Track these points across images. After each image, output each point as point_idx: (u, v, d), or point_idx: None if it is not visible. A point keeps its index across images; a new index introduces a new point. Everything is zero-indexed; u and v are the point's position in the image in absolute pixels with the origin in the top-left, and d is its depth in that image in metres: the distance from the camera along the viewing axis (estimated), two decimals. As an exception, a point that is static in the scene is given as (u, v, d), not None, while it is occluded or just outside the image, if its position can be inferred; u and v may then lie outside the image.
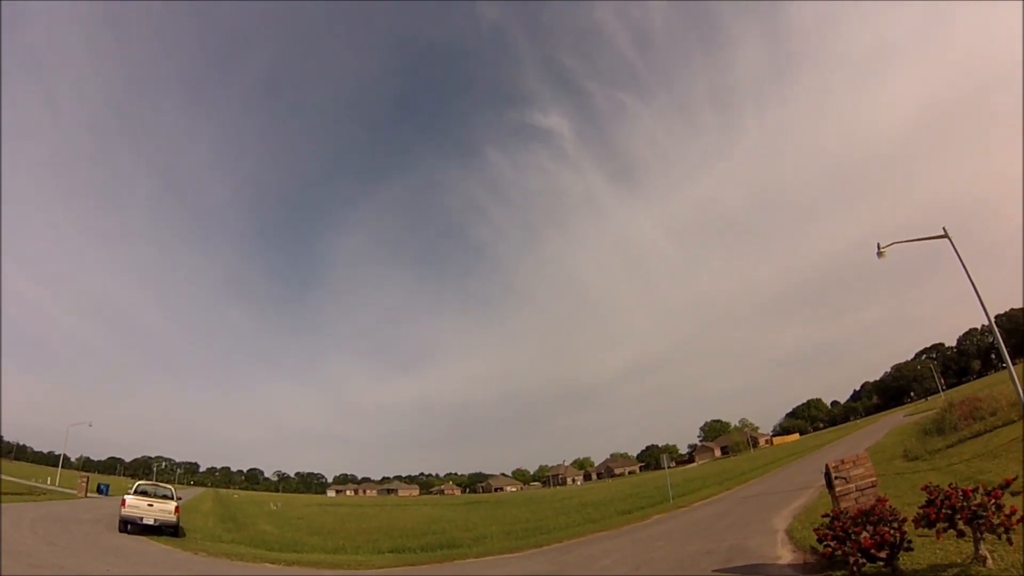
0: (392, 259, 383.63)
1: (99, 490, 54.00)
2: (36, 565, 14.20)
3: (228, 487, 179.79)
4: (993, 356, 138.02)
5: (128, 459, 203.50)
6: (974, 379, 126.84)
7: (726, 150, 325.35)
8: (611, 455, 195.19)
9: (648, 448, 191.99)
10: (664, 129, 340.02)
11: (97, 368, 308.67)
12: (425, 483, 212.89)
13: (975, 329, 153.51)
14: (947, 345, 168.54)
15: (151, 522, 24.12)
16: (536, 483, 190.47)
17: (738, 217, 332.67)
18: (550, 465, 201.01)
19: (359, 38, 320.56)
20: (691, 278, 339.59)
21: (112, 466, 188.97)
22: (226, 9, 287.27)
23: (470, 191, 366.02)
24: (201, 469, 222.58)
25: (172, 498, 26.32)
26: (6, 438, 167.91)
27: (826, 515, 9.95)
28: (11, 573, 10.34)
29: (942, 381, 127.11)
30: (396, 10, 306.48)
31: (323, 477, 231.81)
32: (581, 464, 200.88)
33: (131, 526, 23.91)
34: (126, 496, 24.93)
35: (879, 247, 24.50)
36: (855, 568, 8.70)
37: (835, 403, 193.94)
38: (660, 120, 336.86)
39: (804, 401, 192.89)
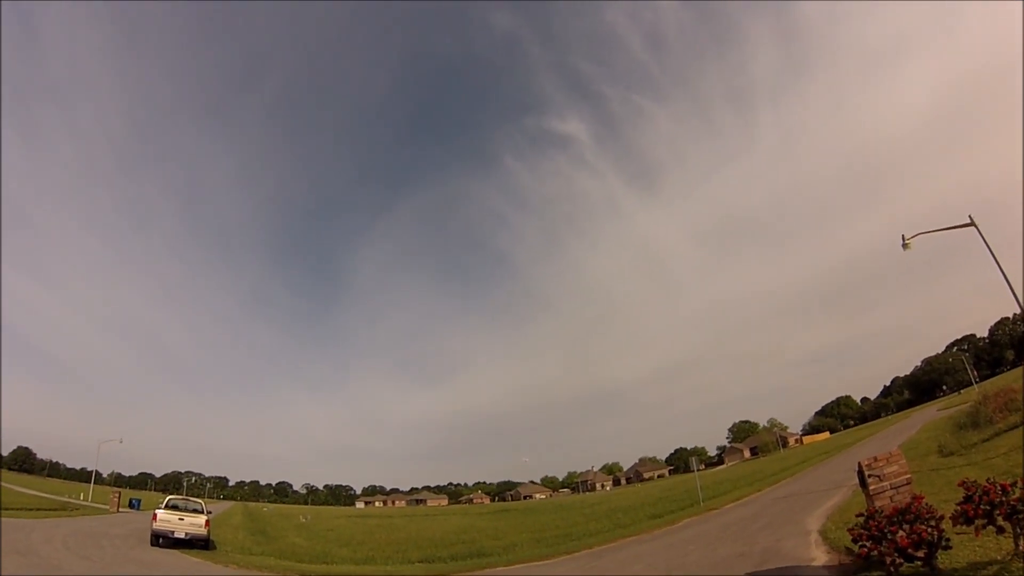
0: (415, 271, 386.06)
1: (131, 505, 54.90)
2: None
3: (257, 500, 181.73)
4: None
5: (159, 474, 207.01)
6: (1008, 370, 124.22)
7: (744, 150, 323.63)
8: (640, 459, 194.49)
9: (677, 451, 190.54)
10: (681, 130, 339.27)
11: (127, 386, 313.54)
12: (454, 493, 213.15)
13: (1007, 318, 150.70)
14: (979, 336, 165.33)
15: (182, 536, 24.64)
16: (565, 490, 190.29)
17: (759, 216, 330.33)
18: (579, 471, 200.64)
19: (376, 52, 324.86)
20: (714, 279, 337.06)
21: (143, 481, 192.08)
22: (244, 27, 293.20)
23: (490, 200, 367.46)
24: (230, 483, 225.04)
25: (202, 512, 26.78)
26: (40, 456, 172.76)
27: (860, 514, 9.86)
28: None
29: (975, 373, 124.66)
30: (411, 23, 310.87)
31: (352, 489, 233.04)
32: (610, 469, 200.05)
33: (163, 540, 24.46)
34: (157, 510, 25.47)
35: (904, 239, 24.21)
36: (892, 568, 8.58)
37: (865, 400, 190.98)
38: (677, 122, 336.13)
39: (833, 399, 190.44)
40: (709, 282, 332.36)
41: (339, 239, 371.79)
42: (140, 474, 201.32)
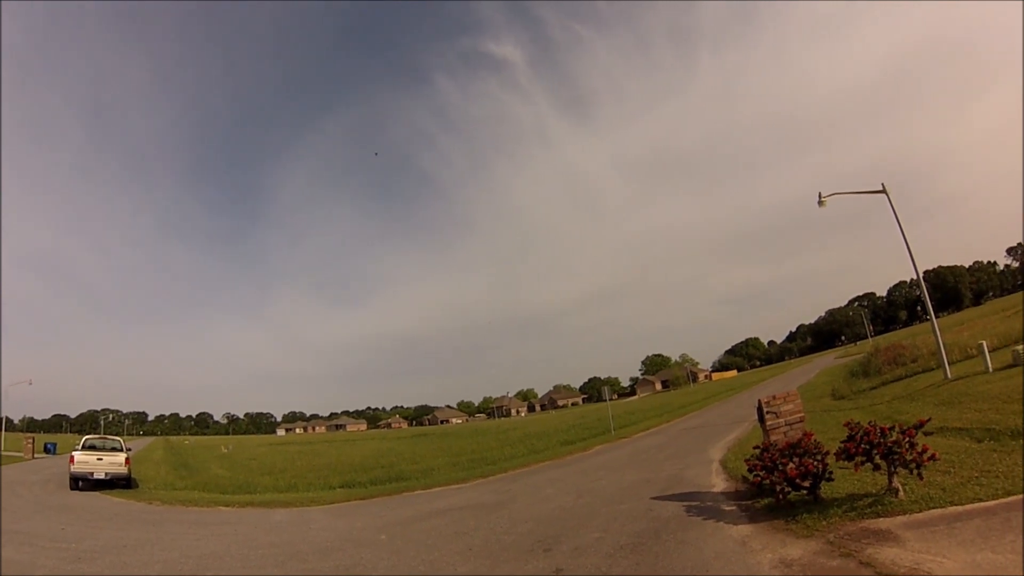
0: (337, 191, 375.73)
1: (46, 450, 52.58)
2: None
3: (178, 434, 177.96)
4: (919, 308, 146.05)
5: (73, 415, 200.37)
6: (900, 328, 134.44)
7: (681, 89, 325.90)
8: (554, 387, 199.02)
9: (591, 380, 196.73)
10: (620, 63, 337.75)
11: (32, 322, 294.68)
12: (372, 417, 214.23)
13: (904, 282, 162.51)
14: (878, 295, 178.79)
15: (102, 476, 24.09)
16: (481, 415, 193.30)
17: (690, 157, 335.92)
18: (494, 397, 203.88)
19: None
20: (639, 214, 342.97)
21: (58, 424, 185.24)
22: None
23: (418, 120, 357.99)
24: (150, 418, 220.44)
25: (122, 450, 26.22)
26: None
27: (757, 447, 10.48)
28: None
29: (871, 328, 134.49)
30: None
31: (272, 416, 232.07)
32: (525, 395, 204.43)
33: (82, 483, 23.85)
34: (74, 452, 24.79)
35: (820, 196, 25.39)
36: (781, 496, 9.28)
37: (772, 343, 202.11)
38: (616, 54, 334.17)
39: (743, 339, 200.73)
40: (634, 216, 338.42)
41: (260, 154, 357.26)
42: (54, 416, 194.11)
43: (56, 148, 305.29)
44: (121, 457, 25.16)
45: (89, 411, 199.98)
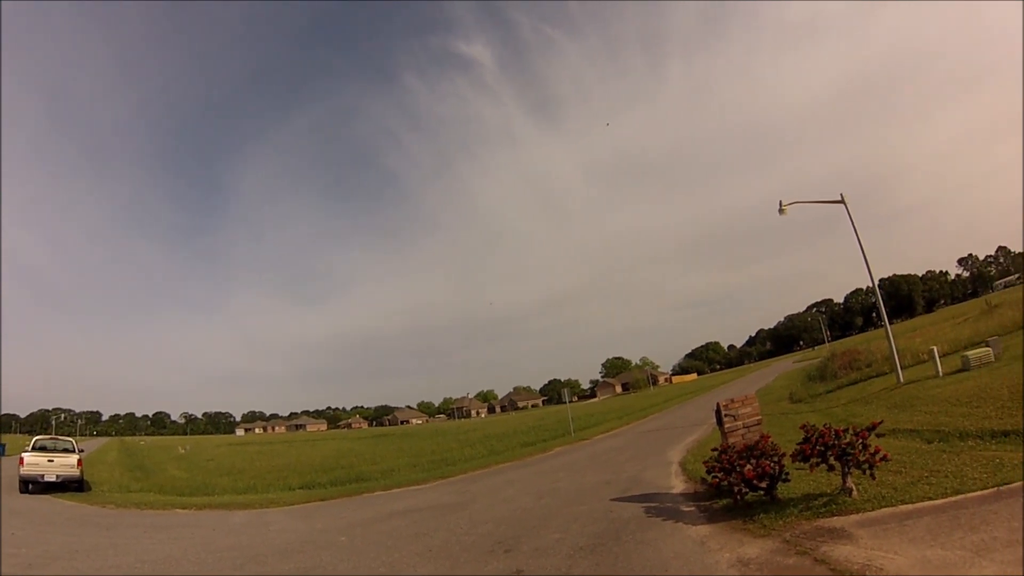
0: (301, 187, 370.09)
1: None
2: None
3: (134, 434, 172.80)
4: (874, 315, 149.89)
5: (23, 414, 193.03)
6: (856, 334, 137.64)
7: (650, 95, 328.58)
8: (514, 388, 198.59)
9: (551, 382, 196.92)
10: (589, 67, 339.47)
11: None
12: (332, 417, 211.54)
13: (861, 289, 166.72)
14: (835, 301, 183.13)
15: (53, 479, 23.27)
16: (441, 415, 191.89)
17: (655, 161, 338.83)
18: (454, 397, 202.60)
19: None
20: (603, 218, 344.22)
21: (7, 424, 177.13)
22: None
23: (384, 117, 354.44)
24: (104, 418, 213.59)
25: (74, 451, 25.37)
26: None
27: (715, 449, 10.66)
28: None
29: (828, 333, 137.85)
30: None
31: (231, 416, 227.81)
32: (485, 397, 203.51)
33: (32, 485, 23.04)
34: (24, 454, 23.93)
35: (781, 204, 25.90)
36: (739, 497, 9.46)
37: (731, 347, 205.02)
38: (586, 58, 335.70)
39: (703, 343, 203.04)
40: (598, 219, 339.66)
41: (223, 151, 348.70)
42: (3, 416, 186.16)
43: (10, 134, 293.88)
44: (73, 459, 24.32)
45: (40, 410, 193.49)
